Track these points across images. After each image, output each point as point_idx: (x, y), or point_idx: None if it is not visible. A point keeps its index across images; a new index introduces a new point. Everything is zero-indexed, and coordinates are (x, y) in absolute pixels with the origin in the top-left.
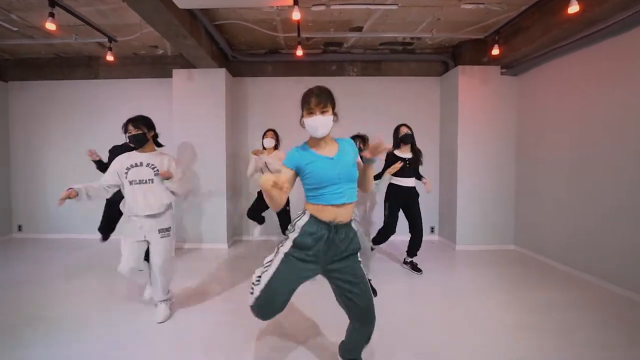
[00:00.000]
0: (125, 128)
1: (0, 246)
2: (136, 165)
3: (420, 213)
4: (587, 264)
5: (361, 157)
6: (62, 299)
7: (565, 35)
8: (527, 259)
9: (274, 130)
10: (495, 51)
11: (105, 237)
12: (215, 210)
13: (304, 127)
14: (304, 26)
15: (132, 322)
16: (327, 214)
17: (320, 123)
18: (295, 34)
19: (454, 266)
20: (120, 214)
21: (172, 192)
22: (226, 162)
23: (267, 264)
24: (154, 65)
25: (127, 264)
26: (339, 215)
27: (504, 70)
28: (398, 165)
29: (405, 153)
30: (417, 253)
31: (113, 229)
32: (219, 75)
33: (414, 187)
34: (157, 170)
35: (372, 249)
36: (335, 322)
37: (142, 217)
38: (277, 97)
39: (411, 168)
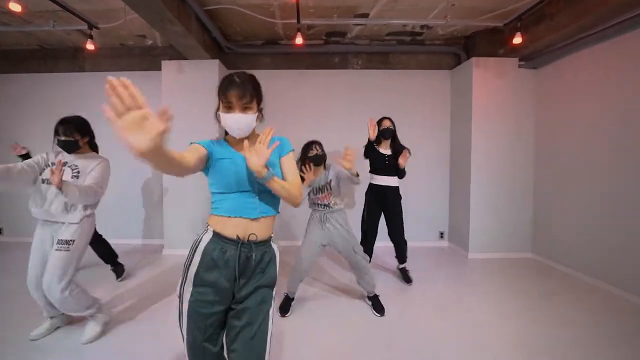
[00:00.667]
0: (55, 130)
1: None
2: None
3: (401, 217)
4: (612, 275)
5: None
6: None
7: (595, 22)
8: (546, 268)
9: None
10: (517, 39)
11: (116, 264)
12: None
13: (218, 121)
14: (305, 12)
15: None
16: (234, 228)
17: (240, 122)
18: (295, 21)
19: (466, 276)
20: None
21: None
22: None
23: (179, 308)
24: (143, 57)
25: (28, 277)
26: (249, 229)
27: (522, 63)
28: (403, 160)
29: (385, 149)
30: (407, 259)
31: (113, 252)
32: (212, 67)
33: (397, 187)
34: (78, 172)
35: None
36: None
37: (43, 223)
38: (275, 91)
39: (391, 166)
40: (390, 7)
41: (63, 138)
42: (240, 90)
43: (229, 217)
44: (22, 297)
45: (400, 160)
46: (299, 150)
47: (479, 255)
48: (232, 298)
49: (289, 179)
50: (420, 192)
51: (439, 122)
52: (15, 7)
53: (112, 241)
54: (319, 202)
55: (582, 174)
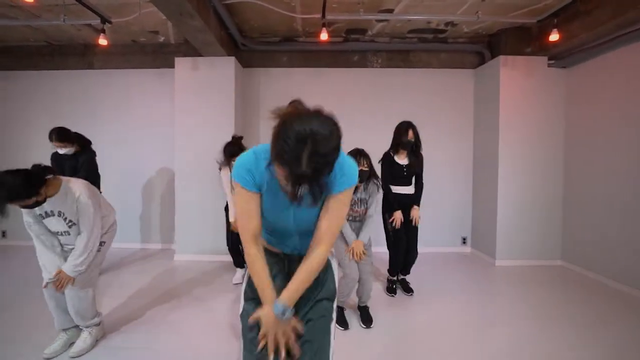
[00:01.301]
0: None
1: None
2: (46, 214)
3: (417, 230)
4: None
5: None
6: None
7: (638, 18)
8: (577, 276)
9: (239, 142)
10: (554, 36)
11: None
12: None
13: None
14: (328, 8)
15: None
16: (280, 248)
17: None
18: (316, 16)
19: (498, 285)
20: None
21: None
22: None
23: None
24: (155, 55)
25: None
26: (295, 249)
27: (551, 62)
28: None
29: (403, 159)
30: (411, 270)
31: None
32: (228, 65)
33: (412, 195)
34: (66, 217)
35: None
36: None
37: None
38: (292, 91)
39: (409, 176)
40: (418, 2)
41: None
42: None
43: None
44: (26, 302)
45: (415, 216)
46: None
47: (507, 263)
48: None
49: (323, 225)
50: (441, 196)
51: (461, 123)
52: None
53: (115, 245)
54: (354, 214)
55: (614, 178)
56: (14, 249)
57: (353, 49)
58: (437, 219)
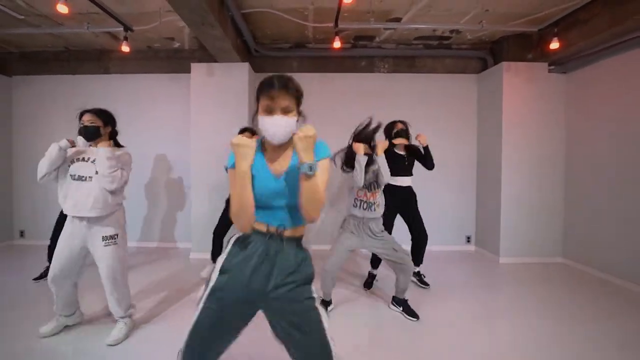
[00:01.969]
0: (79, 117)
1: None
2: (82, 159)
3: (420, 215)
4: None
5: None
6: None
7: (635, 27)
8: (577, 272)
9: (251, 130)
10: (555, 45)
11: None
12: None
13: (256, 126)
14: (340, 17)
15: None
16: (265, 226)
17: (280, 125)
18: (326, 25)
19: (503, 281)
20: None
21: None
22: None
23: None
24: (170, 60)
25: (52, 271)
26: (280, 230)
27: (551, 67)
28: (385, 144)
29: (400, 150)
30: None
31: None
32: (242, 70)
33: (410, 187)
34: (96, 171)
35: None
36: None
37: (76, 219)
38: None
39: (410, 166)
40: (425, 12)
41: (86, 124)
42: (283, 92)
43: (260, 222)
44: (42, 300)
45: (421, 139)
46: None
47: (510, 260)
48: (264, 294)
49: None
50: (446, 196)
51: (465, 125)
52: (63, 9)
53: (135, 244)
54: (364, 199)
55: (613, 178)
56: (32, 248)
57: (361, 55)
58: (442, 219)
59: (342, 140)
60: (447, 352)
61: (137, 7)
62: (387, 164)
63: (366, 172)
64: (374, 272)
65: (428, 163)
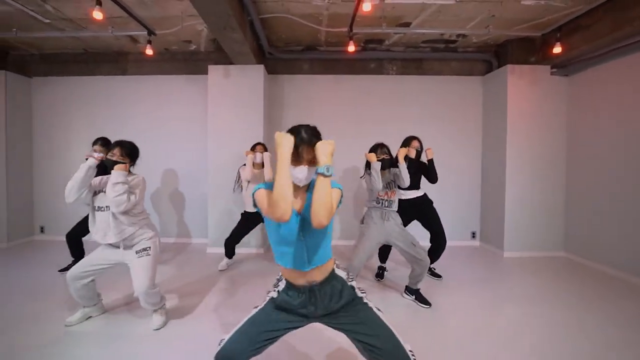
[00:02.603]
0: (108, 145)
1: (20, 249)
2: (103, 191)
3: (439, 219)
4: None
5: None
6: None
7: (635, 33)
8: (579, 265)
9: (263, 145)
10: (557, 49)
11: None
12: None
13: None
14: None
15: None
16: (300, 279)
17: (305, 173)
18: (339, 29)
19: (507, 274)
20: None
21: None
22: None
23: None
24: (186, 62)
25: (75, 270)
26: (310, 277)
27: (554, 70)
28: (412, 151)
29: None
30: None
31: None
32: (258, 72)
33: (424, 195)
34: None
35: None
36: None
37: (111, 246)
38: (313, 96)
39: (418, 178)
40: (434, 17)
41: (115, 158)
42: (309, 145)
43: (290, 269)
44: (60, 292)
45: (428, 152)
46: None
47: (515, 254)
48: (321, 317)
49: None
50: (452, 194)
51: (471, 126)
52: (98, 15)
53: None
54: (384, 198)
55: (613, 176)
56: (51, 243)
57: (370, 58)
58: (448, 215)
59: (350, 138)
60: (461, 335)
61: (159, 11)
62: (406, 170)
63: (383, 174)
64: (383, 265)
65: (431, 176)
